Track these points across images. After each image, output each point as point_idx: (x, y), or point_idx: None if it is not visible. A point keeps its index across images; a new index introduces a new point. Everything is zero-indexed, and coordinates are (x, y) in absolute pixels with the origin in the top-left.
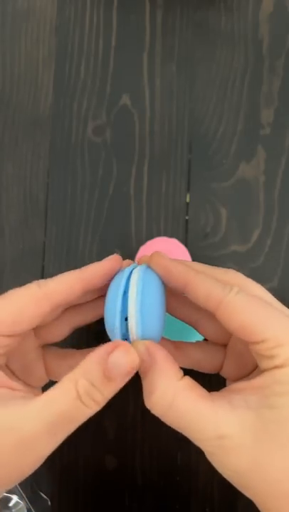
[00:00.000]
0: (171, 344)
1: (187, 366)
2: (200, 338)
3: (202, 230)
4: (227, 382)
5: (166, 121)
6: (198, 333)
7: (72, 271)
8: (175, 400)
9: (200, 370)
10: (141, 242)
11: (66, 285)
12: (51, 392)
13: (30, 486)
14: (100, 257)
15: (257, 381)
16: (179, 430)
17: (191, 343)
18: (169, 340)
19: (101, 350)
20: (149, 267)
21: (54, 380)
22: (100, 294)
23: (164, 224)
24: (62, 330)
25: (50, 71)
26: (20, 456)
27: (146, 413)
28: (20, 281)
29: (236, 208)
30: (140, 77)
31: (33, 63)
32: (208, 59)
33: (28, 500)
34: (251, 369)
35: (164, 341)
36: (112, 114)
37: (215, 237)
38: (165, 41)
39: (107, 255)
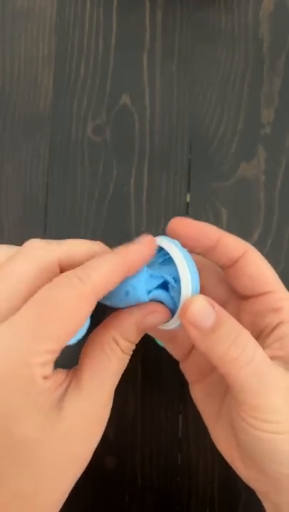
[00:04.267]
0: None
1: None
2: None
3: None
4: (190, 387)
5: (166, 120)
6: None
7: (107, 254)
8: (255, 357)
9: (168, 350)
10: None
11: (110, 276)
12: (95, 361)
13: None
14: None
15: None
16: (241, 393)
17: None
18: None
19: (138, 313)
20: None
21: None
22: None
23: (164, 224)
24: None
25: (49, 70)
26: (93, 432)
27: (147, 413)
28: None
29: (237, 207)
30: (140, 76)
31: (33, 62)
32: (208, 59)
33: None
34: (213, 368)
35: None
36: (112, 113)
37: None
38: (165, 41)
39: None
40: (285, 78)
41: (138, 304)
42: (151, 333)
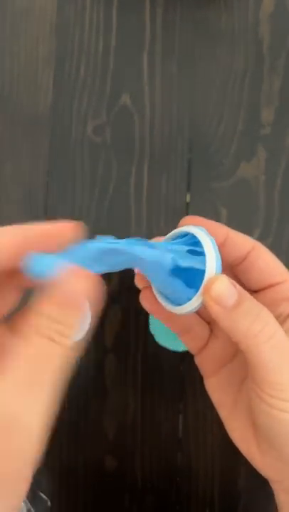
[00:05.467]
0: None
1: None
2: None
3: None
4: (205, 381)
5: (166, 120)
6: None
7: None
8: (277, 332)
9: (185, 343)
10: None
11: (9, 241)
12: (22, 350)
13: (30, 487)
14: None
15: None
16: (262, 369)
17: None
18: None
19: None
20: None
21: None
22: None
23: (164, 224)
24: (10, 297)
25: (49, 70)
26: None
27: (146, 414)
28: None
29: (236, 207)
30: (140, 76)
31: (33, 62)
32: (208, 58)
33: (28, 501)
34: (230, 358)
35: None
36: (112, 113)
37: None
38: (165, 41)
39: None
40: (285, 78)
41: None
42: (167, 324)
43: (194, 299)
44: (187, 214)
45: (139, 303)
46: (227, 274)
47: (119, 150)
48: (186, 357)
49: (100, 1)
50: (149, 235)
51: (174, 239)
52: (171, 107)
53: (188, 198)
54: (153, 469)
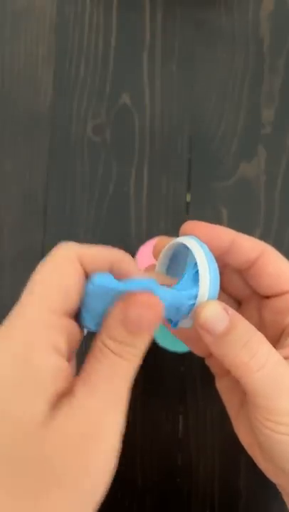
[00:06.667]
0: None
1: (180, 339)
2: None
3: None
4: (216, 380)
5: (166, 120)
6: None
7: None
8: (268, 361)
9: (189, 347)
10: (141, 241)
11: (100, 255)
12: (91, 363)
13: None
14: None
15: None
16: (254, 397)
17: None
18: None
19: (117, 307)
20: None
21: None
22: None
23: (164, 224)
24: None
25: (49, 70)
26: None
27: (147, 414)
28: (20, 281)
29: (237, 207)
30: (140, 76)
31: (33, 62)
32: (208, 58)
33: None
34: None
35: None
36: (112, 113)
37: None
38: (165, 41)
39: None
40: (285, 78)
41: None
42: (175, 333)
43: (186, 321)
44: (187, 214)
45: None
46: (236, 279)
47: (119, 150)
48: (186, 357)
49: (100, 1)
50: (149, 235)
51: (174, 250)
52: (171, 107)
53: (188, 198)
54: (153, 469)
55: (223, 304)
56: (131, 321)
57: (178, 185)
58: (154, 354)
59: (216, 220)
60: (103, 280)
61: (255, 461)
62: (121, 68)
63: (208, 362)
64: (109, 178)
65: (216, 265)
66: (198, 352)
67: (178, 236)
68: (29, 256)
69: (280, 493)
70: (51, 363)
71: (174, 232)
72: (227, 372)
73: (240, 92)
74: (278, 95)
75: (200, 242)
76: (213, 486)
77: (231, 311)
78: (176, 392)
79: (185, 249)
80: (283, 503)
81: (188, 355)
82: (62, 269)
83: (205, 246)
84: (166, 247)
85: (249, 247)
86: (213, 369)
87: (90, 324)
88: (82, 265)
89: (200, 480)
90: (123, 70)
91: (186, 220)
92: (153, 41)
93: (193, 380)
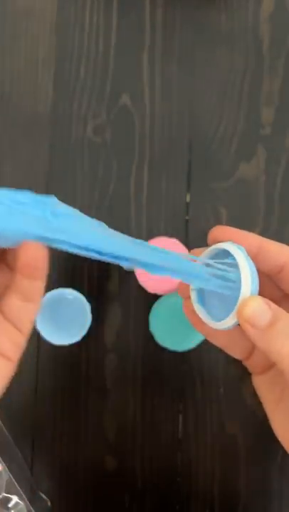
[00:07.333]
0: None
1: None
2: (200, 340)
3: (202, 230)
4: (253, 377)
5: (166, 121)
6: (198, 336)
7: None
8: None
9: (228, 353)
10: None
11: None
12: None
13: (30, 487)
14: None
15: None
16: None
17: None
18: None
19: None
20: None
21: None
22: None
23: (164, 224)
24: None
25: (49, 71)
26: None
27: (146, 414)
28: None
29: (236, 207)
30: (140, 76)
31: (33, 63)
32: (208, 59)
33: (28, 501)
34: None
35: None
36: (112, 113)
37: None
38: (165, 41)
39: None
40: (285, 78)
41: None
42: (209, 339)
43: (229, 318)
44: (187, 214)
45: (139, 303)
46: (268, 281)
47: (119, 150)
48: (186, 357)
49: (100, 1)
50: (149, 235)
51: (211, 256)
52: (171, 107)
53: (188, 198)
54: (153, 469)
55: (265, 299)
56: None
57: (178, 186)
58: (154, 354)
59: (215, 220)
60: None
61: None
62: (121, 68)
63: (245, 363)
64: (110, 178)
65: (253, 264)
66: (237, 355)
67: (176, 237)
68: None
69: (279, 493)
70: None
71: (174, 233)
72: (265, 370)
73: (240, 93)
74: (278, 96)
75: (237, 245)
76: (213, 486)
77: (273, 304)
78: (176, 391)
79: (219, 255)
80: (283, 503)
81: (189, 355)
82: None
83: (242, 247)
84: (203, 254)
85: (276, 251)
86: (252, 368)
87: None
88: None
89: (200, 480)
90: (123, 70)
91: (186, 220)
92: (153, 41)
93: (193, 380)
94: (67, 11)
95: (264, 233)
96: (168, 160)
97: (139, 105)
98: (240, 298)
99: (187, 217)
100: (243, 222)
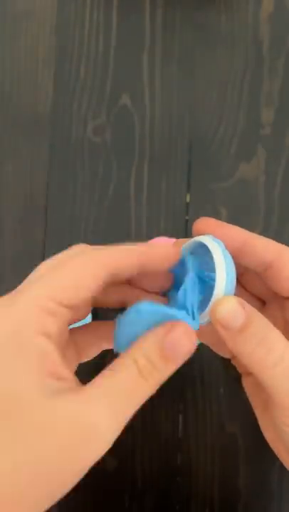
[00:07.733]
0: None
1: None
2: (199, 340)
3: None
4: (242, 378)
5: (166, 121)
6: None
7: (124, 245)
8: (285, 357)
9: (214, 351)
10: (141, 242)
11: (123, 256)
12: (108, 372)
13: None
14: None
15: None
16: (272, 394)
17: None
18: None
19: (159, 330)
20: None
21: (85, 360)
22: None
23: (164, 224)
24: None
25: (50, 71)
26: (78, 450)
27: (147, 414)
28: (20, 281)
29: (236, 207)
30: (140, 77)
31: (33, 63)
32: (208, 59)
33: None
34: None
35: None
36: (112, 113)
37: None
38: (165, 41)
39: None
40: (285, 78)
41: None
42: (198, 336)
43: (201, 315)
44: (187, 214)
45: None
46: (258, 278)
47: (119, 150)
48: None
49: (100, 1)
50: (149, 235)
51: (195, 247)
52: (171, 107)
53: (188, 198)
54: (153, 469)
55: (240, 300)
56: (168, 346)
57: (178, 186)
58: None
59: None
60: (150, 307)
61: (281, 459)
62: (121, 68)
63: (233, 362)
64: (110, 179)
65: (232, 261)
66: (222, 353)
67: (176, 237)
68: (29, 256)
69: (279, 493)
70: (36, 342)
71: (174, 233)
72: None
73: (240, 93)
74: (278, 96)
75: (216, 239)
76: (213, 485)
77: (248, 306)
78: (176, 391)
79: (202, 248)
80: (283, 503)
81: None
82: (81, 267)
83: (221, 243)
84: (183, 246)
85: (263, 247)
86: (239, 368)
87: (123, 347)
88: (106, 269)
89: (200, 480)
90: (123, 71)
91: (186, 220)
92: (153, 41)
93: (193, 380)
94: (67, 11)
95: (264, 233)
96: (168, 160)
97: (139, 105)
98: (214, 297)
99: (187, 217)
100: (243, 222)
